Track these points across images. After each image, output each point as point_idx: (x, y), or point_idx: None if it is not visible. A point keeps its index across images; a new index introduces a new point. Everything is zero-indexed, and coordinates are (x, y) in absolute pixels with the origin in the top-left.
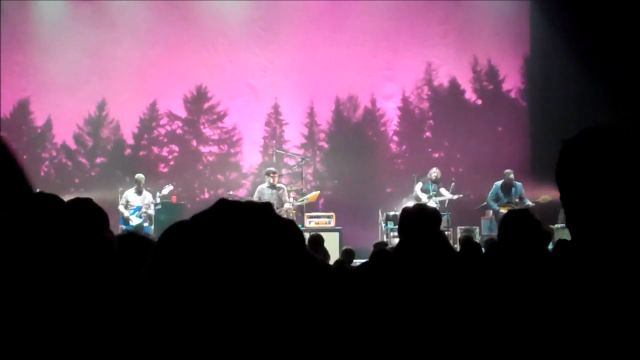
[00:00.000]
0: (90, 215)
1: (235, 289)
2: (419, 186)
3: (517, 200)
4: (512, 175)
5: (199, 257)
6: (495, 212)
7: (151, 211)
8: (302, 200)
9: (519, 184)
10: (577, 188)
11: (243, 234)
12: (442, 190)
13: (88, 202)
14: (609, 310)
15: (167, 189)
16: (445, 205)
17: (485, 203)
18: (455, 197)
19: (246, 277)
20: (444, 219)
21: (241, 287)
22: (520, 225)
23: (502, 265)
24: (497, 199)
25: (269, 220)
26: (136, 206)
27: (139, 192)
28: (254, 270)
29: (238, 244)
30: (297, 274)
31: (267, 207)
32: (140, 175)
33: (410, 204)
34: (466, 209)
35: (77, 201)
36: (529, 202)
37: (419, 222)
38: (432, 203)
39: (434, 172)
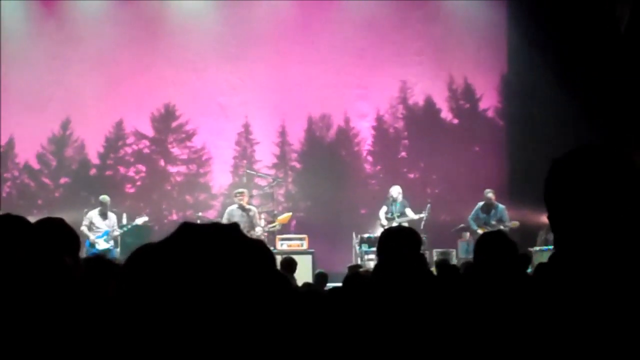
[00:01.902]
0: (61, 238)
1: (202, 314)
2: (382, 210)
3: (494, 222)
4: (491, 195)
5: (165, 282)
6: (473, 234)
7: (116, 233)
8: (274, 226)
9: (501, 206)
10: (568, 209)
11: (209, 257)
12: (407, 210)
13: (60, 223)
14: (598, 337)
15: (142, 219)
16: (421, 227)
17: (462, 225)
18: (417, 216)
19: (213, 302)
20: None
21: (208, 312)
22: (494, 247)
23: (480, 290)
24: (476, 219)
25: (235, 241)
26: (104, 230)
27: (104, 215)
28: (221, 294)
29: (204, 268)
30: (267, 298)
31: (233, 228)
32: (105, 197)
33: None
34: (443, 231)
35: (48, 222)
36: (504, 227)
37: (399, 243)
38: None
39: (394, 191)
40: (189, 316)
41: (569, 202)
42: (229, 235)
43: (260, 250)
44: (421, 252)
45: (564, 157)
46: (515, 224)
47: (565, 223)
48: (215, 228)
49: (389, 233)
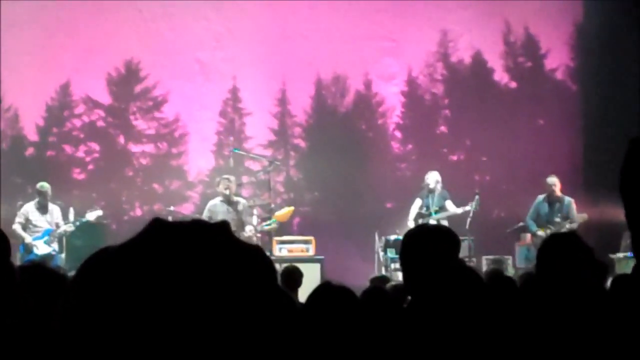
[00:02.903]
0: None
1: (180, 344)
2: (416, 205)
3: (558, 219)
4: (556, 185)
5: (130, 302)
6: (533, 236)
7: (61, 232)
8: (270, 224)
9: (568, 199)
10: None
11: (188, 267)
12: (448, 204)
13: None
14: None
15: (94, 214)
16: (467, 226)
17: (521, 224)
18: (461, 210)
19: (194, 329)
20: (464, 245)
21: (187, 343)
22: (563, 254)
23: (543, 309)
24: (537, 218)
25: (225, 246)
26: (45, 229)
27: (43, 208)
28: (204, 319)
29: (181, 282)
30: (265, 324)
31: (222, 227)
32: (44, 185)
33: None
34: (495, 232)
35: None
36: (570, 225)
37: (426, 248)
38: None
39: (430, 179)
40: (161, 347)
41: None
42: (215, 238)
43: (257, 259)
44: (460, 258)
45: None
46: (584, 216)
47: None
48: (196, 227)
49: (411, 236)
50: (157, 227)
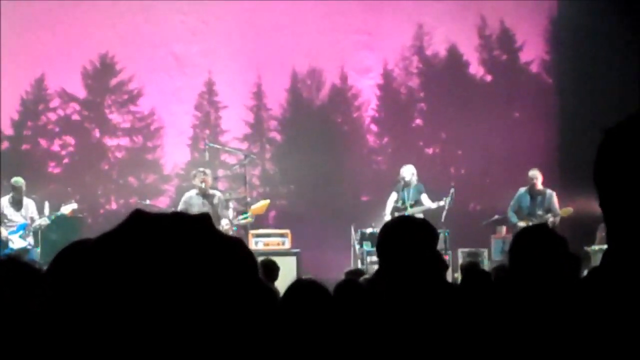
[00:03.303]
0: None
1: (160, 338)
2: (391, 198)
3: (540, 212)
4: (537, 178)
5: (108, 295)
6: (513, 228)
7: (36, 225)
8: (245, 217)
9: (549, 192)
10: (623, 192)
11: (169, 259)
12: (423, 197)
13: None
14: None
15: (69, 207)
16: (442, 219)
17: (497, 216)
18: (435, 205)
19: (174, 322)
20: (440, 238)
21: (167, 336)
22: (535, 245)
23: (517, 302)
24: (518, 210)
25: (206, 239)
26: (19, 223)
27: (17, 203)
28: (185, 313)
29: (162, 274)
30: (246, 316)
31: (203, 220)
32: (18, 180)
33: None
34: (471, 226)
35: None
36: (555, 218)
37: (404, 240)
38: None
39: (406, 172)
40: (142, 340)
41: (626, 184)
42: (197, 230)
43: (238, 251)
44: (437, 251)
45: (618, 125)
46: (568, 210)
47: (621, 211)
48: (177, 219)
49: (390, 227)
50: (138, 219)
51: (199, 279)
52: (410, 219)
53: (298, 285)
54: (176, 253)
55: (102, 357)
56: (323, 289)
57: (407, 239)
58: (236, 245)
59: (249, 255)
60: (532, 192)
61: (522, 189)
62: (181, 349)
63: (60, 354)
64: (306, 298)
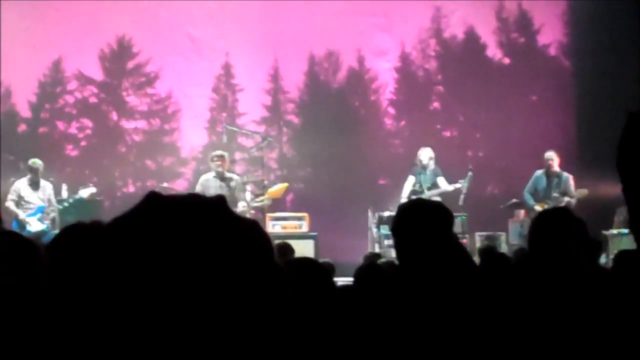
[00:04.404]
0: None
1: (172, 324)
2: (409, 182)
3: (556, 194)
4: (554, 160)
5: (122, 274)
6: (530, 211)
7: (54, 209)
8: (263, 200)
9: (565, 174)
10: None
11: (185, 242)
12: (440, 180)
13: None
14: None
15: (87, 190)
16: (460, 202)
17: (515, 200)
18: (452, 187)
19: (189, 306)
20: (457, 222)
21: (180, 323)
22: (555, 229)
23: (536, 286)
24: (534, 193)
25: (222, 221)
26: (38, 206)
27: (35, 185)
28: (199, 296)
29: (176, 257)
30: (261, 299)
31: (219, 202)
32: (36, 162)
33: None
34: (489, 209)
35: None
36: (571, 200)
37: (419, 223)
38: None
39: (423, 155)
40: (154, 322)
41: None
42: (212, 212)
43: (254, 233)
44: (454, 233)
45: None
46: (584, 192)
47: None
48: (194, 202)
49: (404, 209)
50: (153, 201)
51: (213, 261)
52: (425, 201)
53: (295, 264)
54: (191, 235)
55: (110, 340)
56: (321, 268)
57: (421, 222)
58: (252, 227)
59: (265, 237)
60: (548, 174)
61: (539, 172)
62: (194, 333)
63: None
64: (303, 276)
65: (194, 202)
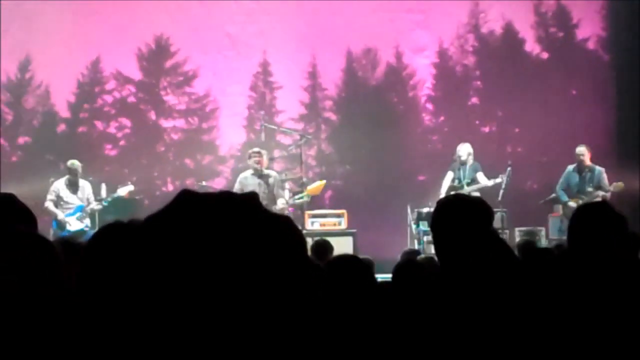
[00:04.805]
0: (13, 217)
1: (203, 317)
2: (448, 177)
3: (590, 189)
4: (585, 154)
5: (154, 274)
6: (564, 207)
7: (93, 208)
8: (301, 197)
9: (598, 168)
10: None
11: (217, 238)
12: (479, 176)
13: (10, 199)
14: None
15: (126, 189)
16: (499, 197)
17: (554, 195)
18: (492, 182)
19: (219, 300)
20: (497, 217)
21: (211, 315)
22: (594, 223)
23: (575, 280)
24: (567, 189)
25: (254, 217)
26: (76, 205)
27: (74, 185)
28: (231, 290)
29: (210, 253)
30: (293, 295)
31: (251, 199)
32: (74, 162)
33: None
34: (528, 204)
35: None
36: (605, 194)
37: (458, 219)
38: None
39: (462, 150)
40: (183, 319)
41: None
42: (244, 209)
43: (286, 229)
44: (494, 229)
45: None
46: (620, 185)
47: None
48: (226, 199)
49: (443, 205)
50: (186, 199)
51: (245, 257)
52: (464, 196)
53: (337, 261)
54: (224, 232)
55: (143, 333)
56: (363, 264)
57: (461, 217)
58: (284, 224)
59: (297, 233)
60: (581, 169)
61: (570, 167)
62: (228, 328)
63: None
64: (346, 273)
65: (226, 199)
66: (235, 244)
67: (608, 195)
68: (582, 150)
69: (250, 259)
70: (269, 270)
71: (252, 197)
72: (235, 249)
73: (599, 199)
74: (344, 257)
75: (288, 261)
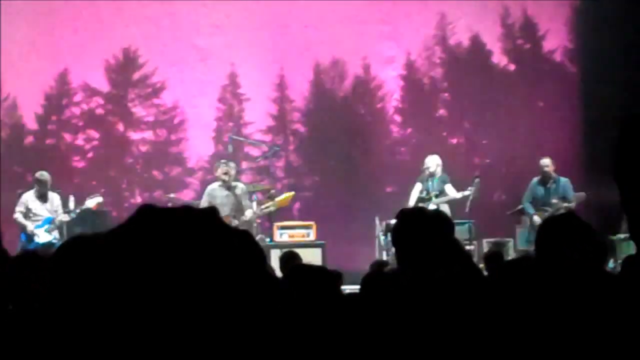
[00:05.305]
0: None
1: (164, 329)
2: (416, 189)
3: (555, 200)
4: (547, 164)
5: (114, 285)
6: (530, 220)
7: (62, 219)
8: (269, 207)
9: (563, 179)
10: None
11: (175, 252)
12: (448, 187)
13: None
14: None
15: (94, 200)
16: (467, 209)
17: (520, 206)
18: (460, 195)
19: (180, 313)
20: (464, 229)
21: (172, 327)
22: (561, 235)
23: (541, 291)
24: (533, 201)
25: (212, 231)
26: (45, 217)
27: (43, 197)
28: (192, 303)
29: (168, 267)
30: (253, 310)
31: (210, 213)
32: (43, 174)
33: None
34: (496, 215)
35: None
36: (570, 205)
37: (419, 229)
38: (432, 208)
39: (431, 162)
40: (146, 331)
41: None
42: (203, 223)
43: (245, 244)
44: (455, 239)
45: (637, 116)
46: (581, 195)
47: None
48: (185, 213)
49: (404, 217)
50: (146, 213)
51: (204, 270)
52: (423, 210)
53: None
54: (183, 245)
55: (103, 349)
56: (326, 273)
57: (420, 229)
58: (243, 238)
59: (256, 246)
60: (545, 181)
61: (535, 179)
62: (186, 342)
63: (61, 341)
64: (307, 282)
65: (185, 213)
66: (194, 257)
67: (573, 205)
68: (547, 162)
69: (208, 273)
70: (227, 283)
71: (212, 212)
72: (194, 262)
73: (562, 211)
74: (304, 267)
75: (246, 275)
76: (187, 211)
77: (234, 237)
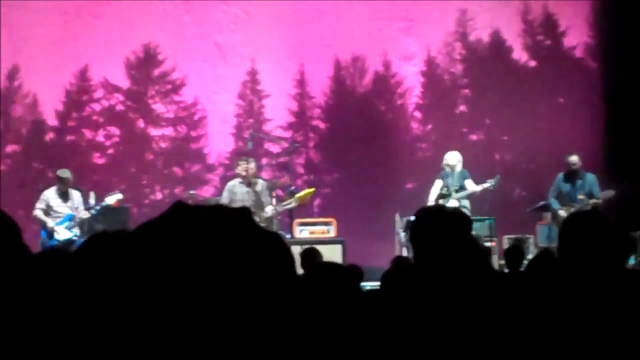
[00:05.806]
0: None
1: (195, 338)
2: (436, 185)
3: (581, 196)
4: (575, 160)
5: (141, 288)
6: (554, 214)
7: (83, 217)
8: (289, 203)
9: (590, 175)
10: None
11: (207, 251)
12: (468, 182)
13: None
14: None
15: (114, 197)
16: (487, 206)
17: (542, 202)
18: (480, 188)
19: (213, 318)
20: (485, 225)
21: (203, 336)
22: (584, 231)
23: (561, 288)
24: (558, 196)
25: (246, 232)
26: (65, 214)
27: (64, 194)
28: (224, 307)
29: (200, 267)
30: (285, 312)
31: (243, 213)
32: (64, 171)
33: None
34: (516, 212)
35: None
36: (597, 201)
37: (436, 227)
38: (453, 204)
39: (451, 158)
40: (172, 329)
41: None
42: (236, 223)
43: (276, 244)
44: (472, 236)
45: None
46: (610, 193)
47: None
48: (218, 212)
49: (421, 215)
50: (179, 211)
51: (235, 269)
52: (441, 207)
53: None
54: (214, 245)
55: (128, 346)
56: (345, 271)
57: (436, 227)
58: (274, 239)
59: (287, 248)
60: (572, 177)
61: (561, 174)
62: (212, 341)
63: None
64: (328, 280)
65: (218, 212)
66: (226, 256)
67: (600, 202)
68: (575, 159)
69: (239, 271)
70: (257, 283)
71: (245, 212)
72: (226, 261)
73: (588, 207)
74: (325, 265)
75: (276, 274)
76: (221, 210)
77: (266, 239)
